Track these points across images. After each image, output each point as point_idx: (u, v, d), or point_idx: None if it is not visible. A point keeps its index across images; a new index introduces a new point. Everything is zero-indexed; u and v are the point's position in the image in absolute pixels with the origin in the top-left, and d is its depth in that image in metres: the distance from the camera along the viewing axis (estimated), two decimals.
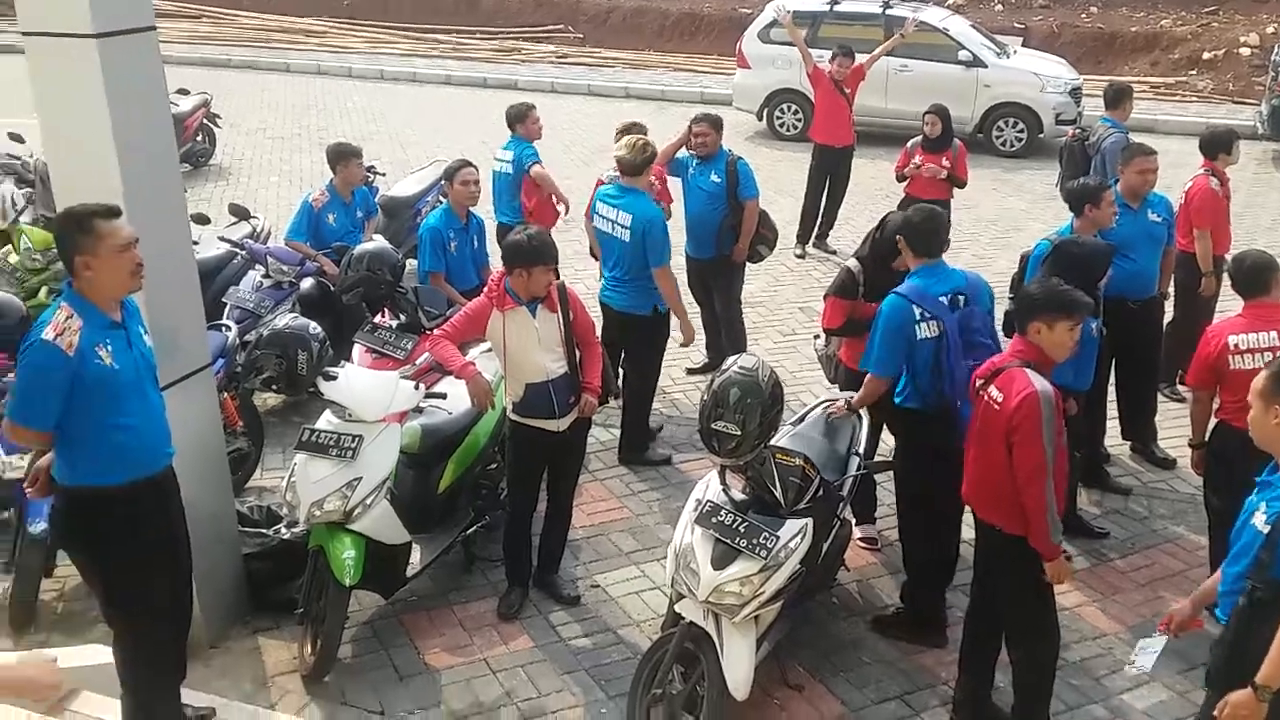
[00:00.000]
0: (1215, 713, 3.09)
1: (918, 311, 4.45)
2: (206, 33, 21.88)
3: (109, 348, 3.33)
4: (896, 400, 4.63)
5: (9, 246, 7.21)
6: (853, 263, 5.21)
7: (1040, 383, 3.76)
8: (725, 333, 7.27)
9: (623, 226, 5.87)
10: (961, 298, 4.52)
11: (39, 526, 4.53)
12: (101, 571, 3.52)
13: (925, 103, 8.50)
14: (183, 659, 3.90)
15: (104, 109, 3.86)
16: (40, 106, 4.06)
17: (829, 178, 10.18)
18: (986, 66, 13.68)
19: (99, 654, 4.28)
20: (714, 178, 6.83)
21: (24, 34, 3.94)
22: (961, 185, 8.65)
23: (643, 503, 5.94)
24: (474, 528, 5.24)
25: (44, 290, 6.82)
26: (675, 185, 7.30)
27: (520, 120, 7.66)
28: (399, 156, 12.64)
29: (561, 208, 7.68)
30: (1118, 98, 7.91)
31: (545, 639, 4.80)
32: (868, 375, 4.68)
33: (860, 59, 10.41)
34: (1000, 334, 4.80)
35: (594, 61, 19.65)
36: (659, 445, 6.50)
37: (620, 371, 6.21)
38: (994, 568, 4.09)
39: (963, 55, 13.69)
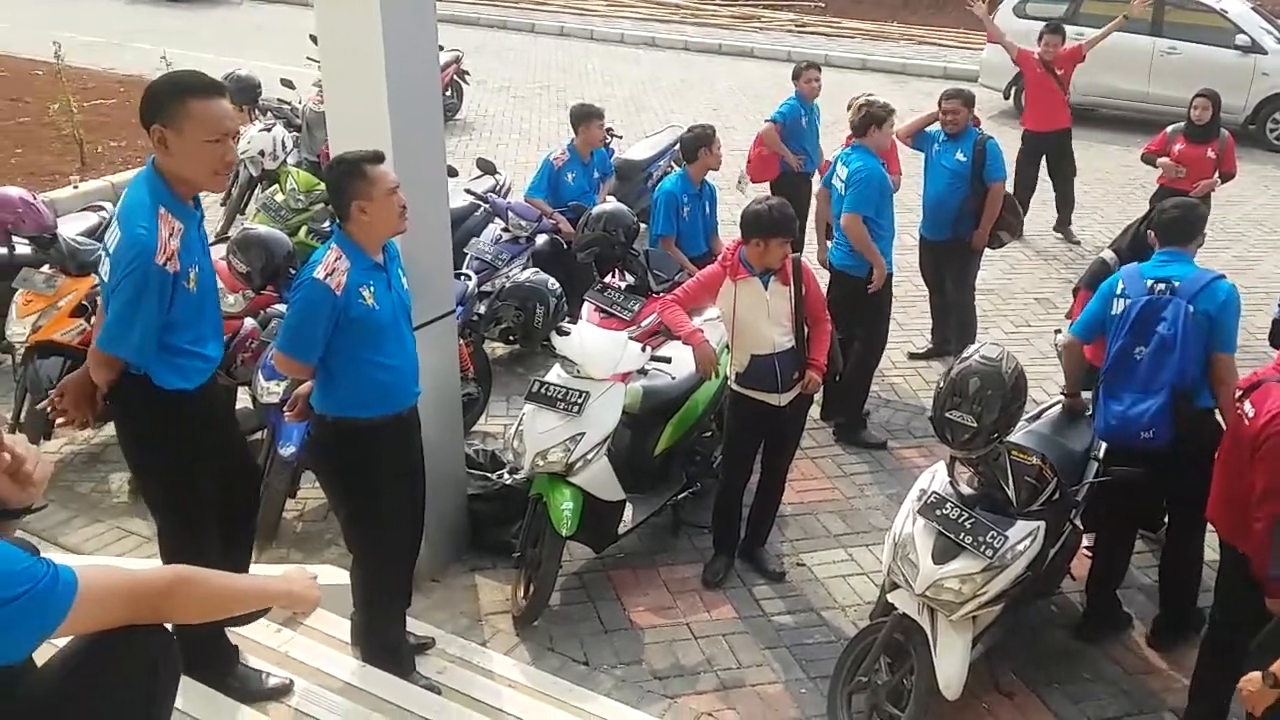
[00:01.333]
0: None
1: (1120, 286, 4.30)
2: None
3: (371, 289, 3.51)
4: None
5: (276, 186, 7.76)
6: (1108, 254, 4.92)
7: None
8: (954, 320, 7.00)
9: (843, 181, 5.94)
10: (1163, 285, 4.18)
11: (288, 450, 4.87)
12: (349, 496, 3.74)
13: (1191, 89, 7.80)
14: (410, 588, 4.11)
15: (380, 59, 4.06)
16: (323, 55, 4.32)
17: (1042, 166, 9.53)
18: (1266, 53, 12.51)
19: (331, 574, 4.58)
20: (959, 156, 6.56)
21: None
22: (1229, 178, 7.89)
23: (854, 485, 5.83)
24: (684, 493, 5.27)
25: (303, 230, 7.30)
26: (913, 164, 7.07)
27: (796, 78, 7.93)
28: (633, 120, 12.80)
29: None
30: None
31: (749, 611, 4.79)
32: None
33: (1078, 41, 9.65)
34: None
35: (833, 32, 19.25)
36: (873, 429, 6.35)
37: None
38: (1237, 594, 3.76)
39: (1240, 39, 12.57)
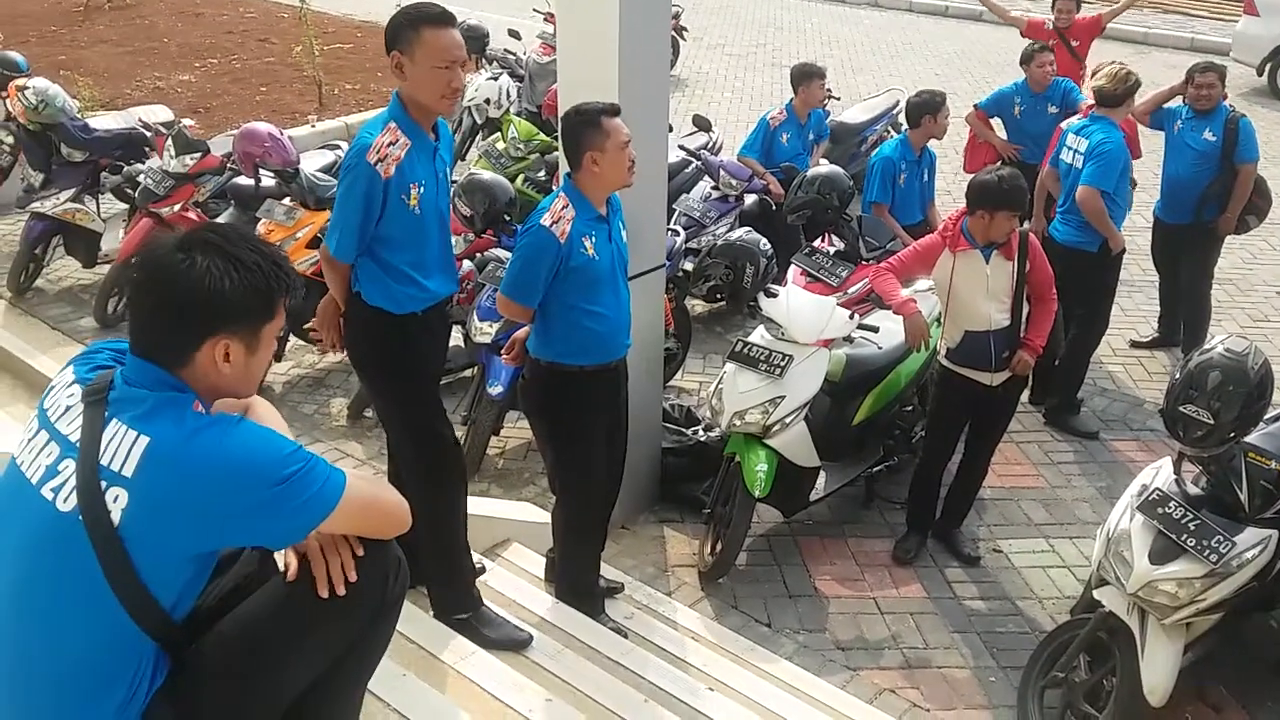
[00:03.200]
0: None
1: None
2: None
3: (593, 239, 3.57)
4: None
5: (497, 134, 8.00)
6: None
7: None
8: (1186, 308, 6.55)
9: (1079, 153, 5.62)
10: None
11: (497, 389, 5.06)
12: (556, 439, 3.86)
13: None
14: (605, 532, 4.21)
15: (615, 8, 4.10)
16: (559, 6, 4.39)
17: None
18: None
19: (530, 511, 4.77)
20: (1208, 135, 6.08)
21: None
22: None
23: (1061, 474, 5.57)
24: (880, 467, 5.18)
25: (520, 178, 7.52)
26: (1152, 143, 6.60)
27: (1026, 61, 7.18)
28: (850, 83, 12.48)
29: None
30: None
31: (939, 593, 4.67)
32: None
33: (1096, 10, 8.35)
34: None
35: None
36: (1086, 417, 6.04)
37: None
38: None
39: None
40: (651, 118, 4.49)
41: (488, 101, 8.46)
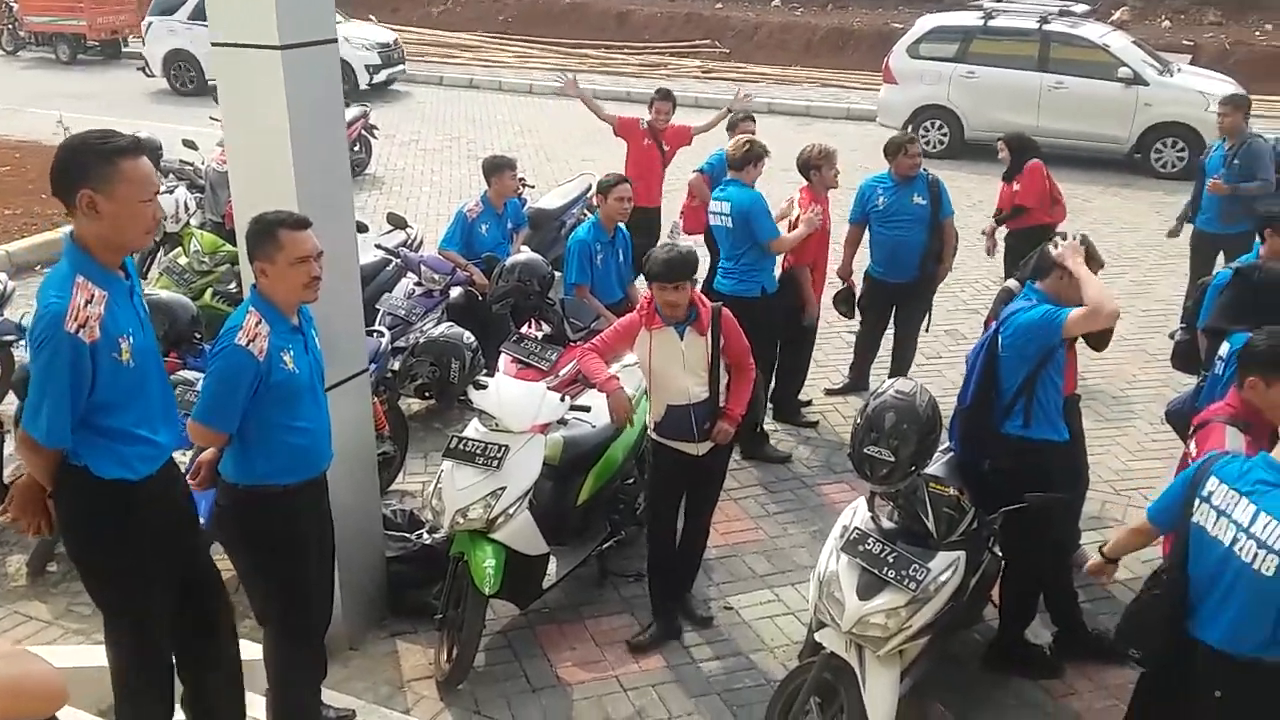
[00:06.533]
0: None
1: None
2: None
3: (291, 352, 3.42)
4: None
5: (179, 249, 7.58)
6: (1013, 283, 5.07)
7: (1234, 444, 3.48)
8: (900, 354, 7.12)
9: (725, 215, 6.20)
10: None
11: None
12: (264, 568, 3.62)
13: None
14: (324, 658, 3.98)
15: (284, 118, 4.01)
16: (225, 113, 4.25)
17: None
18: (1147, 84, 13.09)
19: (247, 650, 4.43)
20: (918, 199, 6.68)
21: (214, 44, 4.12)
22: (1021, 212, 7.57)
23: (778, 525, 5.83)
24: (609, 543, 5.23)
25: (209, 292, 7.15)
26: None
27: (732, 129, 7.73)
28: (545, 169, 12.84)
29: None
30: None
31: (677, 660, 4.73)
32: None
33: (697, 123, 9.04)
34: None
35: (739, 76, 19.59)
36: (796, 464, 6.42)
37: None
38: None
39: (1122, 72, 13.13)
40: (337, 221, 4.38)
41: (165, 216, 8.00)
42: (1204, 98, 12.95)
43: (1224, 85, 13.69)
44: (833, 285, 7.39)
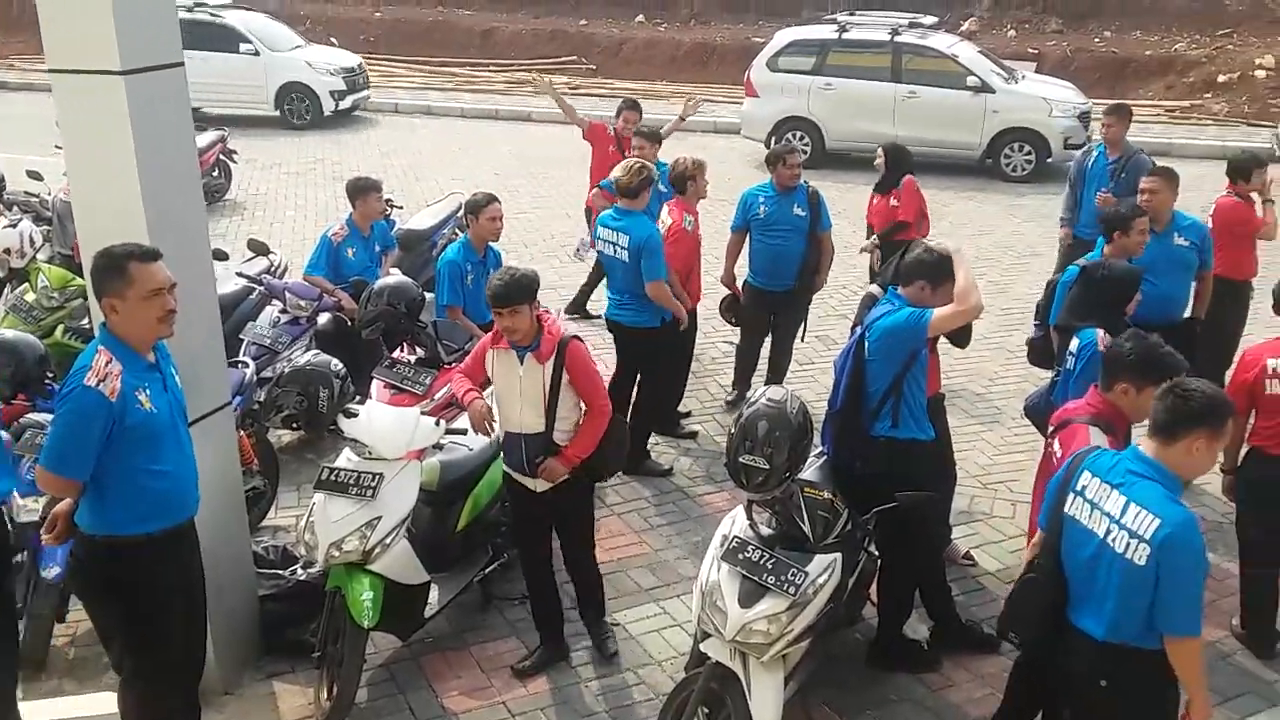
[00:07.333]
0: None
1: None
2: None
3: (147, 391, 3.28)
4: None
5: (26, 285, 7.21)
6: (874, 288, 5.21)
7: (1099, 443, 3.61)
8: (778, 362, 7.22)
9: (621, 248, 6.04)
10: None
11: (53, 570, 4.47)
12: (119, 620, 3.44)
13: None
14: (196, 707, 3.82)
15: (130, 145, 3.85)
16: (67, 143, 4.05)
17: None
18: (994, 92, 13.66)
19: (111, 703, 4.22)
20: (798, 210, 6.80)
21: (51, 71, 3.93)
22: (902, 227, 7.42)
23: (661, 537, 5.85)
24: (491, 566, 5.16)
25: (60, 329, 6.82)
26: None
27: None
28: (414, 189, 12.66)
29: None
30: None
31: (564, 680, 4.70)
32: None
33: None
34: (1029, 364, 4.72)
35: (606, 92, 19.71)
36: (678, 476, 6.47)
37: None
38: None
39: (970, 81, 13.68)
40: (191, 250, 4.24)
41: (8, 251, 7.58)
42: (1047, 103, 13.64)
43: (1066, 91, 14.46)
44: (710, 294, 7.50)
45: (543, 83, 9.78)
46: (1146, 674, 3.25)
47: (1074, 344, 4.64)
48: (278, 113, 17.12)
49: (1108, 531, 3.21)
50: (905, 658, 4.72)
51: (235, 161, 12.87)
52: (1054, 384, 4.96)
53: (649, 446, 6.59)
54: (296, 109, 17.15)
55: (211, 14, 17.24)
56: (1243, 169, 6.65)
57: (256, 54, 17.09)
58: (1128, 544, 3.13)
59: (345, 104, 17.45)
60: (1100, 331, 4.56)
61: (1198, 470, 3.29)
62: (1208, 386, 3.20)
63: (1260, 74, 17.17)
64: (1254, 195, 6.65)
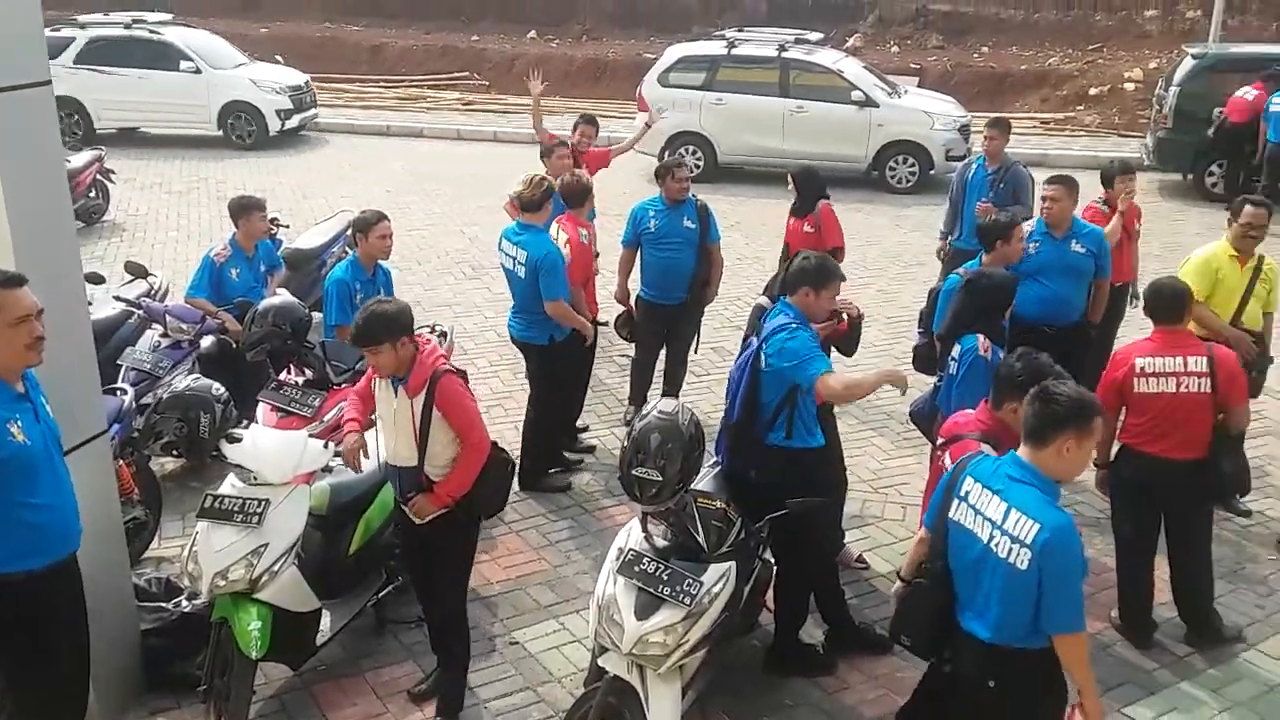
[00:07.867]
0: None
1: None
2: None
3: (19, 423, 3.15)
4: None
5: None
6: (763, 300, 5.30)
7: None
8: (673, 374, 7.24)
9: (520, 264, 6.06)
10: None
11: None
12: (7, 664, 3.29)
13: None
14: None
15: None
16: None
17: None
18: (878, 106, 14.00)
19: None
20: (688, 223, 6.83)
21: None
22: (834, 254, 7.14)
23: (560, 553, 5.83)
24: (385, 590, 5.07)
25: None
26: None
27: (546, 156, 8.08)
28: (301, 208, 12.41)
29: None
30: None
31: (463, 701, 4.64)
32: None
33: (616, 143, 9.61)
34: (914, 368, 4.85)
35: (499, 108, 19.66)
36: (557, 474, 6.53)
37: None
38: None
39: (855, 96, 14.00)
40: (60, 273, 4.09)
41: None
42: (929, 117, 14.05)
43: (947, 105, 14.91)
44: (606, 308, 7.52)
45: (534, 85, 9.78)
46: (1032, 673, 3.35)
47: (956, 350, 4.79)
48: (220, 133, 16.41)
49: (990, 537, 3.30)
50: (801, 662, 4.78)
51: (113, 182, 12.45)
52: (937, 389, 5.11)
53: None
54: (240, 129, 16.44)
55: (150, 30, 16.60)
56: (1108, 176, 6.95)
57: (198, 72, 16.36)
58: (1010, 549, 3.23)
59: (293, 123, 16.77)
60: (980, 337, 4.71)
61: (1072, 471, 3.40)
62: (1072, 389, 3.32)
63: (1129, 86, 18.00)
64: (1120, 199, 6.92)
